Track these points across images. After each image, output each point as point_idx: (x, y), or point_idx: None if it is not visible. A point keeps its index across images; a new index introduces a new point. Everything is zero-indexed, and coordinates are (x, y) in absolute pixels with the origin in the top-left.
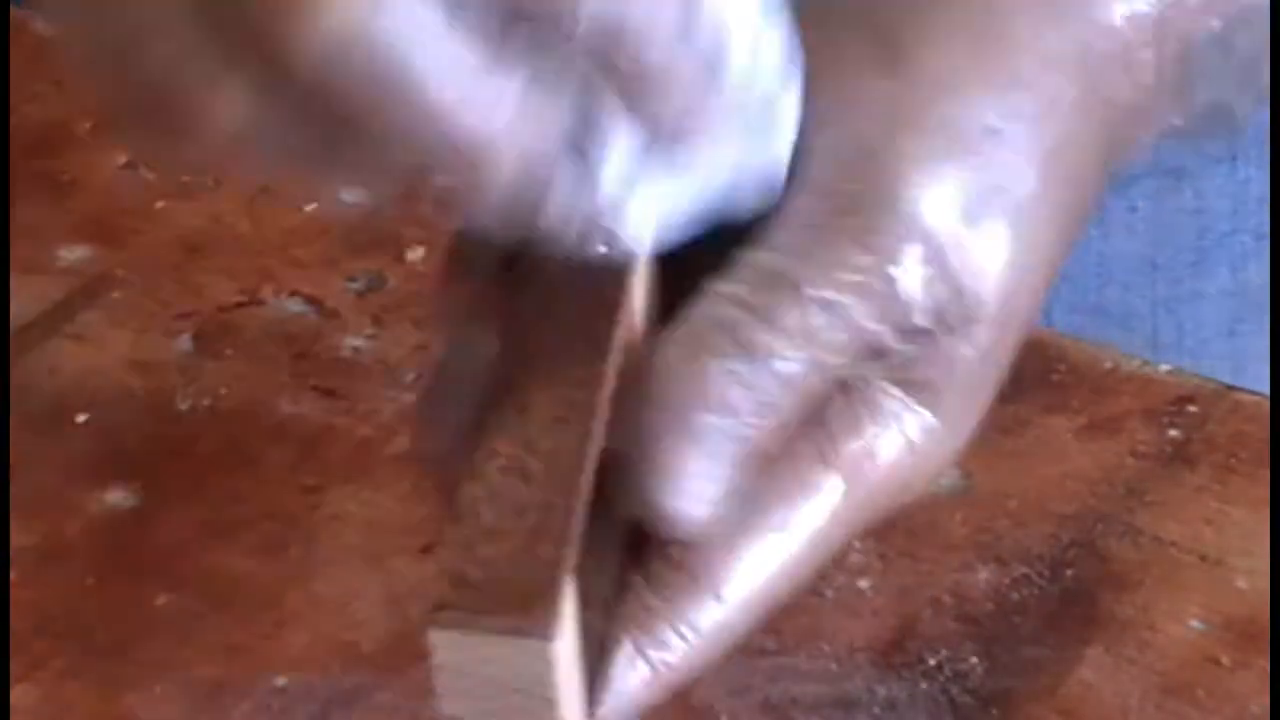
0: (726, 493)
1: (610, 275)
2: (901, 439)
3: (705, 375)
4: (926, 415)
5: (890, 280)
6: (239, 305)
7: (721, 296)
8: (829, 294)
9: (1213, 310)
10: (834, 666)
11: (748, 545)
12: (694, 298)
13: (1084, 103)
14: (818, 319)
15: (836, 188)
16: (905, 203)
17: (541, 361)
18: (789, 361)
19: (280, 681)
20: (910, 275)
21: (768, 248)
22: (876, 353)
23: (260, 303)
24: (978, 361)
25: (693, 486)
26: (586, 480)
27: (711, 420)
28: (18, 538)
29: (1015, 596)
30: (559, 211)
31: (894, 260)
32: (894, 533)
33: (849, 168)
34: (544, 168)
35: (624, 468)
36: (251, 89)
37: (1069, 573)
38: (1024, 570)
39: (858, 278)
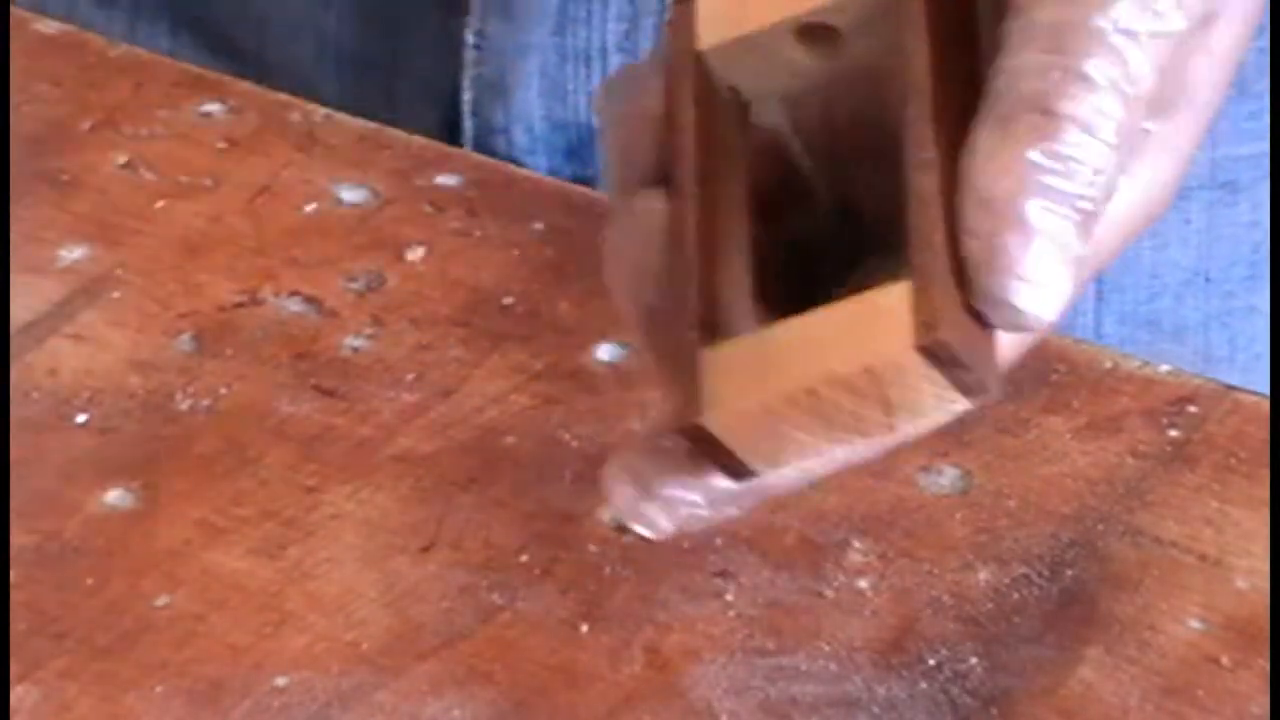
0: (1078, 272)
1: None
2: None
3: (1026, 163)
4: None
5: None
6: (239, 305)
7: (1014, 71)
8: (1116, 37)
9: (1266, 325)
10: (833, 666)
11: None
12: (986, 82)
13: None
14: (1114, 65)
15: None
16: None
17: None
18: (1105, 118)
19: (280, 681)
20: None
21: (1036, 8)
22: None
23: (260, 303)
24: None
25: (1043, 278)
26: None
27: (1045, 206)
28: (18, 538)
29: (1015, 596)
30: None
31: None
32: (893, 533)
33: None
34: None
35: (970, 270)
36: None
37: (1069, 573)
38: (1024, 570)
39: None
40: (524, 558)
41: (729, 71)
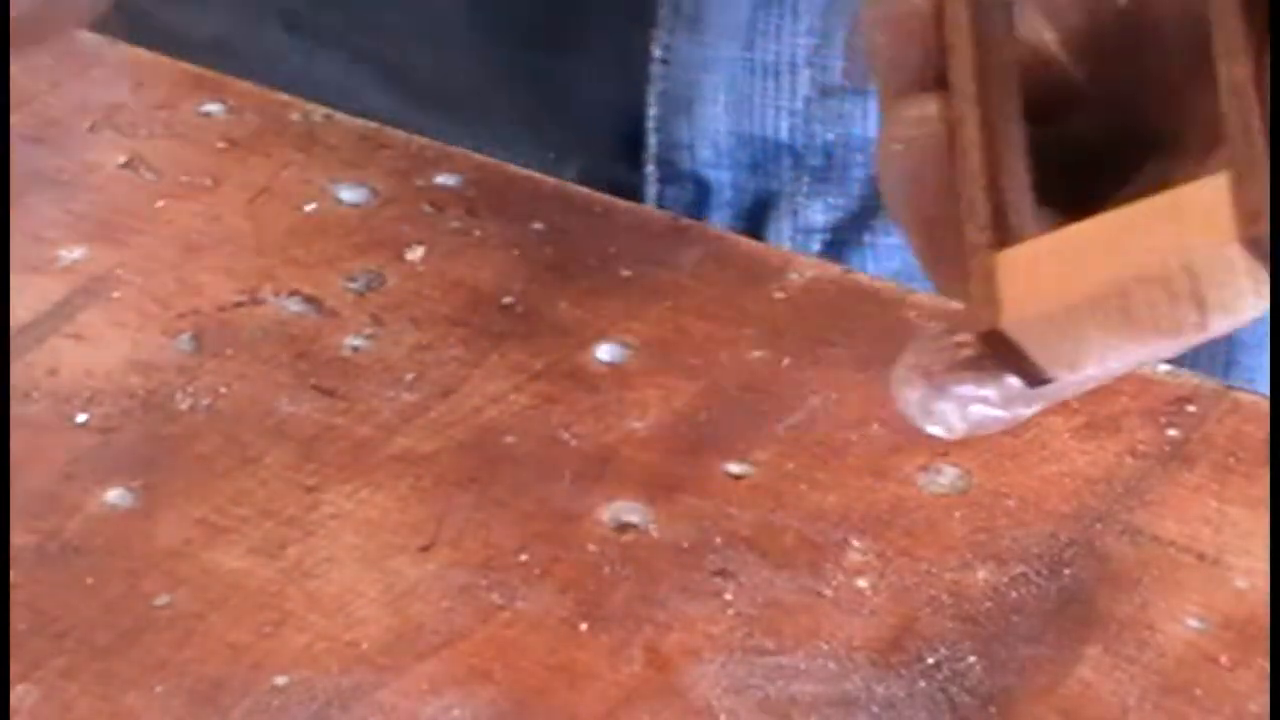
0: None
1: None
2: None
3: None
4: None
5: None
6: (239, 305)
7: None
8: None
9: (1266, 325)
10: (832, 665)
11: None
12: None
13: None
14: None
15: None
16: None
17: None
18: None
19: (280, 681)
20: None
21: None
22: None
23: (260, 302)
24: None
25: None
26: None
27: None
28: (18, 537)
29: (1014, 595)
30: None
31: None
32: (892, 532)
33: None
34: None
35: None
36: None
37: (1067, 572)
38: (1022, 569)
39: None
40: (524, 557)
41: None
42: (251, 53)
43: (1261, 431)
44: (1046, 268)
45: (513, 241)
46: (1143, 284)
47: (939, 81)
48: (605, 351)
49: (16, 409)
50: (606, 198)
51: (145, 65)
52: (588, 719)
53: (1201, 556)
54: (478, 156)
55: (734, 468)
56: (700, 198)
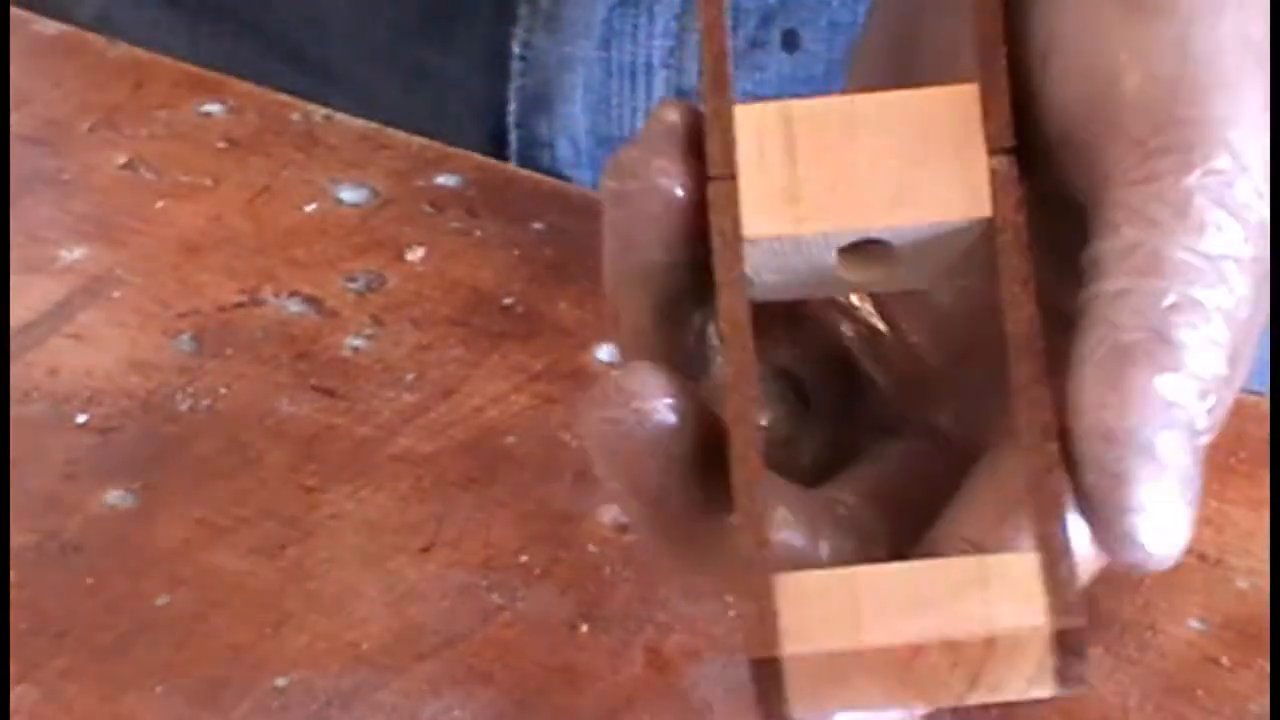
0: (1196, 510)
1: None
2: None
3: (1150, 393)
4: None
5: (1235, 197)
6: (239, 305)
7: (1117, 297)
8: (1205, 242)
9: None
10: None
11: None
12: (1080, 314)
13: None
14: (1209, 271)
15: (1155, 138)
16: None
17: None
18: (1218, 347)
19: (280, 681)
20: (1244, 187)
21: (1123, 224)
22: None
23: (260, 303)
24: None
25: (1169, 514)
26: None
27: (1170, 438)
28: (18, 538)
29: None
30: None
31: (1230, 183)
32: None
33: (1158, 111)
34: None
35: (1094, 506)
36: None
37: None
38: None
39: (1220, 214)
40: (524, 558)
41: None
42: (133, 27)
43: (1262, 431)
44: (836, 605)
45: (513, 241)
46: (941, 648)
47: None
48: (605, 352)
49: (16, 409)
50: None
51: (145, 65)
52: (588, 719)
53: (1203, 557)
54: (478, 156)
55: None
56: None
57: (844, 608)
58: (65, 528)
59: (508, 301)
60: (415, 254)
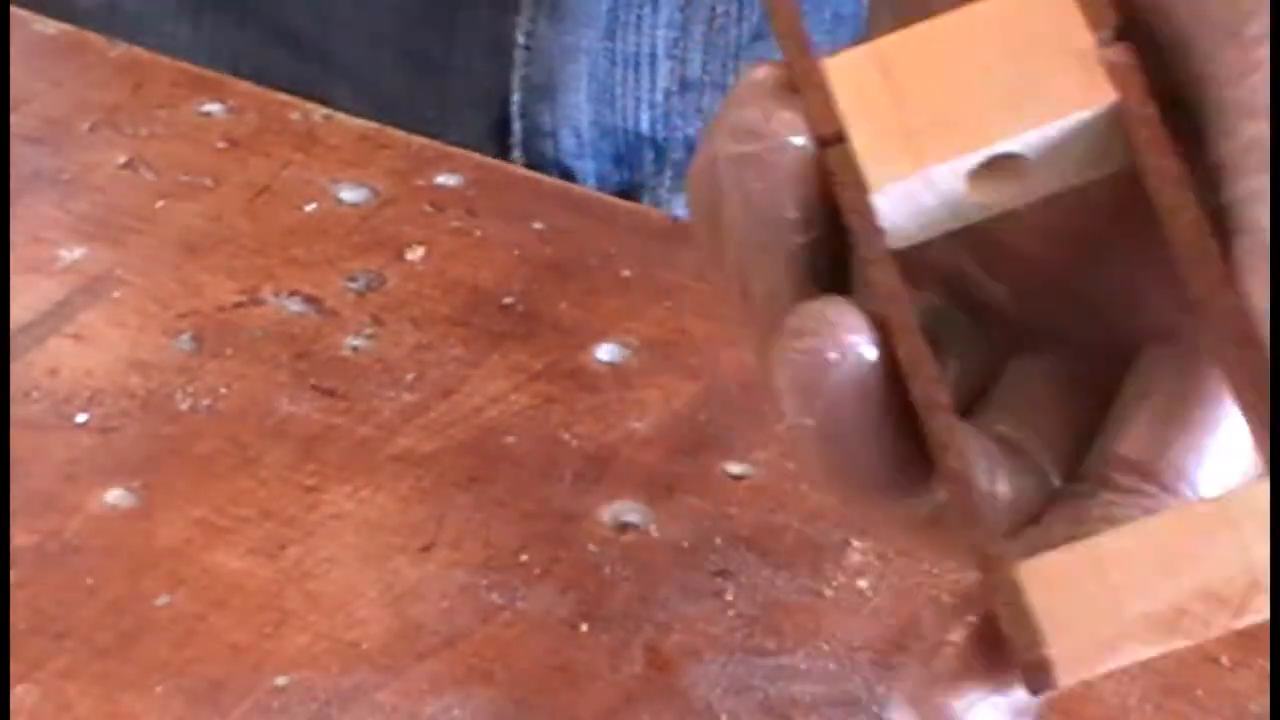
0: None
1: None
2: None
3: None
4: None
5: None
6: (239, 305)
7: (1250, 200)
8: None
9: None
10: (833, 666)
11: None
12: (1224, 217)
13: None
14: None
15: (1249, 26)
16: None
17: None
18: None
19: (280, 681)
20: None
21: (1239, 120)
22: None
23: (260, 302)
24: None
25: None
26: None
27: None
28: (18, 538)
29: None
30: None
31: None
32: None
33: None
34: None
35: None
36: None
37: None
38: None
39: None
40: (524, 557)
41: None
42: (137, 15)
43: None
44: (1089, 586)
45: (513, 241)
46: (1204, 599)
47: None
48: (605, 352)
49: (16, 409)
50: (607, 197)
51: (145, 65)
52: (588, 719)
53: None
54: (477, 156)
55: (734, 468)
56: None
57: (1097, 587)
58: (65, 528)
59: (507, 301)
60: (415, 253)
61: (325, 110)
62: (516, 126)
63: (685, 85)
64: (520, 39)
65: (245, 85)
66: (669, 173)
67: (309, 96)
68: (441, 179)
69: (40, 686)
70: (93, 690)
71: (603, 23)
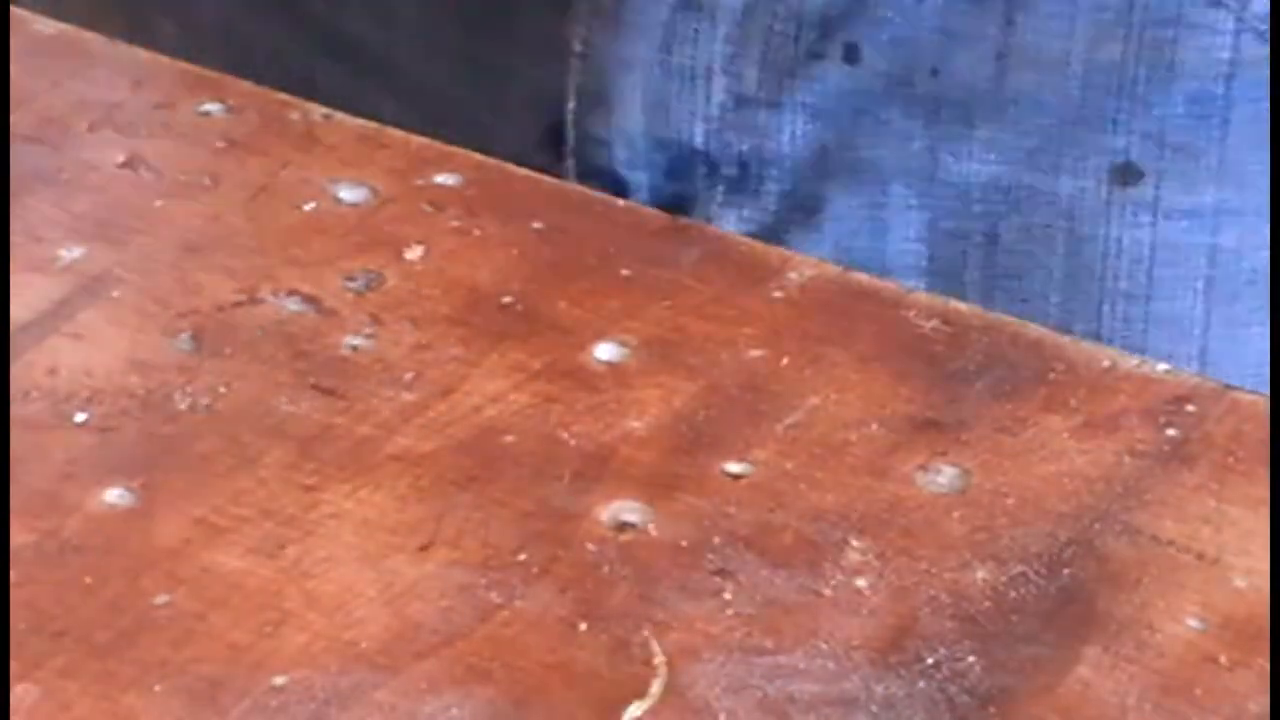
0: None
1: None
2: None
3: None
4: None
5: None
6: (238, 305)
7: None
8: None
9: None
10: (831, 665)
11: None
12: None
13: None
14: None
15: None
16: None
17: None
18: None
19: (278, 680)
20: None
21: None
22: None
23: (259, 302)
24: None
25: None
26: None
27: None
28: (17, 537)
29: (1013, 595)
30: None
31: None
32: (891, 531)
33: None
34: None
35: None
36: None
37: (1067, 571)
38: (1022, 569)
39: None
40: (522, 556)
41: None
42: (187, 17)
43: (1261, 431)
44: None
45: (512, 241)
46: None
47: None
48: (604, 351)
49: (15, 409)
50: (606, 197)
51: (145, 65)
52: (587, 719)
53: (1201, 556)
54: (477, 156)
55: (733, 467)
56: (617, 196)
57: None
58: (65, 527)
59: (507, 300)
60: (414, 253)
61: (324, 110)
62: (571, 134)
63: (740, 102)
64: (576, 47)
65: (245, 85)
66: (720, 188)
67: (356, 109)
68: (441, 178)
69: (40, 686)
70: (92, 690)
71: (658, 35)
